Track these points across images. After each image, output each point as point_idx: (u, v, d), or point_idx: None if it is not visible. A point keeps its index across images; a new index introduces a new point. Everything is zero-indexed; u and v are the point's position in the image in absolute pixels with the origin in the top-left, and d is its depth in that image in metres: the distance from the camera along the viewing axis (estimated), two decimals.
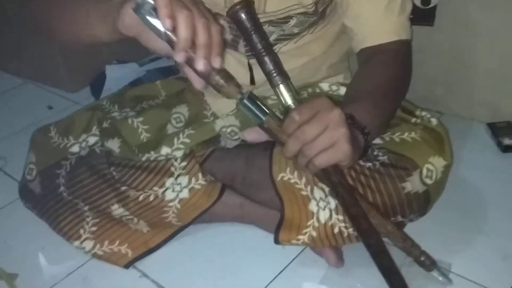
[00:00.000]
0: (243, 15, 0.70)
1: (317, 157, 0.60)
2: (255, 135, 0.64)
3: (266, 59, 0.70)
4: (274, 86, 0.71)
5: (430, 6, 1.09)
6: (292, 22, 0.84)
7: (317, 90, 0.88)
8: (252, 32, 0.71)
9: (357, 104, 0.71)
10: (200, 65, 0.56)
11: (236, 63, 0.91)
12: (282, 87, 0.69)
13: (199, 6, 0.58)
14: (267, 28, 0.85)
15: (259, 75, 0.91)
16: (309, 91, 0.88)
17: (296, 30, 0.86)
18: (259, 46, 0.71)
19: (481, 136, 1.12)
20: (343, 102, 0.77)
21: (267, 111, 0.61)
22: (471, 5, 1.06)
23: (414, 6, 1.08)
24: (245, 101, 0.59)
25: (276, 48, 0.88)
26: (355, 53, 0.85)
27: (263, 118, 0.60)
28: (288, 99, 0.71)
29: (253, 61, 0.90)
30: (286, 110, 0.71)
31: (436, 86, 1.20)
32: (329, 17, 0.88)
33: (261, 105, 0.60)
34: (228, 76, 0.59)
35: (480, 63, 1.11)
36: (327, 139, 0.59)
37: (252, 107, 0.60)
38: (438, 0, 1.08)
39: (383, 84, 0.77)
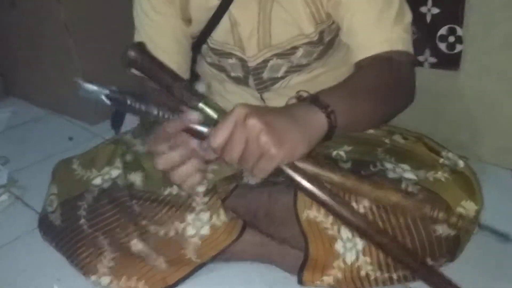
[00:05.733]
0: (133, 53, 0.65)
1: (254, 170, 0.59)
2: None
3: (175, 90, 0.66)
4: (196, 109, 0.66)
5: (455, 51, 1.10)
6: (299, 53, 0.85)
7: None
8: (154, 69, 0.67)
9: (330, 88, 0.70)
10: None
11: (250, 98, 0.93)
12: (201, 105, 0.65)
13: None
14: (275, 61, 0.86)
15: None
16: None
17: (304, 61, 0.87)
18: (164, 82, 0.67)
19: (506, 183, 1.10)
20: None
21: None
22: (496, 50, 1.06)
23: (440, 51, 1.11)
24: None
25: (287, 79, 0.89)
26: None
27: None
28: (213, 114, 0.66)
29: (265, 95, 0.93)
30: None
31: (460, 131, 1.19)
32: (339, 47, 0.88)
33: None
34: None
35: (504, 108, 1.11)
36: (252, 153, 0.58)
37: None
38: (463, 46, 1.09)
39: (369, 82, 0.74)
